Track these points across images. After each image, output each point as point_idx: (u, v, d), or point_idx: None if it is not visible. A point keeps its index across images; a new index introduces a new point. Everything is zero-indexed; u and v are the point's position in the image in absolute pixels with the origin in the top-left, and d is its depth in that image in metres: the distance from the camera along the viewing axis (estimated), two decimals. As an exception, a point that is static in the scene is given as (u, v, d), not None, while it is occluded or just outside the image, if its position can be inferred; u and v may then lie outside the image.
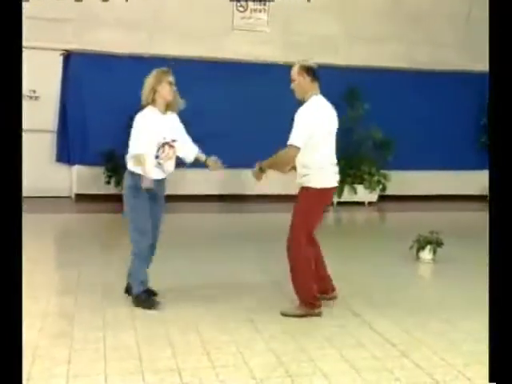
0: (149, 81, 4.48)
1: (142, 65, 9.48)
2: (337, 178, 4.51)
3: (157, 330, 3.96)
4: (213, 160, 4.68)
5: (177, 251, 6.24)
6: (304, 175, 4.30)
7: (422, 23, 10.68)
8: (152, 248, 4.56)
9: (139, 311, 4.33)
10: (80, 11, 9.27)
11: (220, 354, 3.60)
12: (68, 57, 9.36)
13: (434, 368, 3.49)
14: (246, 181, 10.69)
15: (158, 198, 4.58)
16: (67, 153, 9.55)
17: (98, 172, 9.36)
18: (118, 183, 9.37)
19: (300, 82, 4.35)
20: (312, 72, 4.37)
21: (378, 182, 10.23)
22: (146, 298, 4.42)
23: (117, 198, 9.43)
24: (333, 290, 4.61)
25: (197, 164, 4.69)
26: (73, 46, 9.33)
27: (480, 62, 9.37)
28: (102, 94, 9.29)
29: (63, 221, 8.37)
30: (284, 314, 4.29)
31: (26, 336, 3.72)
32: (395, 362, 3.56)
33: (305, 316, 4.26)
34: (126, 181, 4.53)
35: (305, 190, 4.31)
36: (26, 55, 9.29)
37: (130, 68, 9.40)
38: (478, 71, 9.91)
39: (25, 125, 9.96)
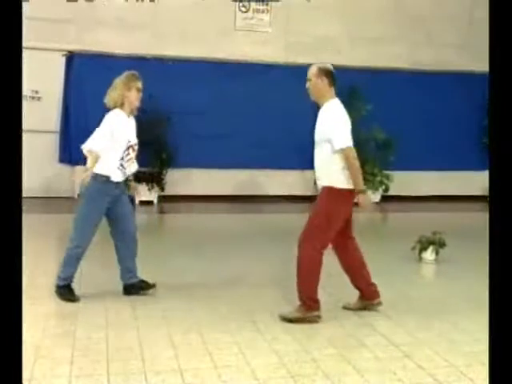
0: (119, 85, 4.55)
1: (144, 65, 9.52)
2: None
3: (159, 331, 3.96)
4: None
5: (180, 251, 6.25)
6: (327, 175, 4.22)
7: (424, 24, 10.69)
8: (130, 243, 4.69)
9: (141, 311, 4.33)
10: (82, 12, 9.29)
11: (222, 354, 3.61)
12: (70, 58, 9.38)
13: (437, 369, 3.49)
14: (245, 181, 10.73)
15: (123, 199, 4.64)
16: (69, 153, 9.56)
17: (101, 173, 9.37)
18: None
19: (317, 84, 4.29)
20: (331, 75, 4.33)
21: (381, 182, 10.23)
22: (64, 292, 4.52)
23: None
24: (378, 296, 4.51)
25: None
26: (75, 46, 9.35)
27: (482, 63, 9.34)
28: (104, 94, 9.29)
29: (65, 221, 8.36)
30: (282, 318, 4.23)
31: (29, 336, 3.74)
32: (398, 363, 3.55)
33: (302, 320, 4.17)
34: (89, 184, 4.50)
35: (327, 189, 4.21)
36: (28, 56, 9.40)
37: (132, 69, 9.35)
38: (480, 72, 9.89)
39: (27, 125, 10.02)
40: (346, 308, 4.52)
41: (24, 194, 9.62)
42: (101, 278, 5.15)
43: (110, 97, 4.55)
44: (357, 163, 4.15)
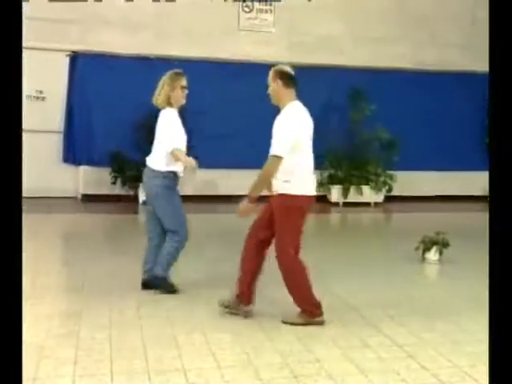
0: (164, 86, 4.61)
1: (147, 66, 9.57)
2: (315, 187, 4.31)
3: (162, 330, 3.97)
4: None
5: (183, 250, 6.25)
6: (285, 181, 4.06)
7: (428, 24, 10.68)
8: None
9: (145, 311, 4.34)
10: (86, 12, 9.31)
11: (225, 354, 3.61)
12: (74, 58, 9.40)
13: (440, 369, 3.48)
14: (248, 181, 10.71)
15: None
16: (73, 153, 9.59)
17: (104, 172, 9.39)
18: (124, 184, 9.41)
19: (274, 88, 4.18)
20: (286, 77, 4.17)
21: (384, 182, 10.22)
22: (167, 284, 4.71)
23: (122, 199, 9.53)
24: (251, 302, 4.33)
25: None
26: (79, 47, 9.37)
27: (485, 63, 9.22)
28: (108, 94, 9.33)
29: (69, 221, 8.40)
30: (285, 322, 4.19)
31: (33, 336, 3.76)
32: (401, 363, 3.55)
33: (305, 325, 4.13)
34: (157, 182, 4.64)
35: (284, 197, 4.07)
36: (32, 56, 9.46)
37: (136, 69, 9.45)
38: (483, 72, 9.82)
39: (31, 125, 10.10)
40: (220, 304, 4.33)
41: (28, 194, 9.69)
42: (105, 278, 5.16)
43: (158, 97, 4.65)
44: (268, 176, 4.03)
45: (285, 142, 4.02)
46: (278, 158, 4.00)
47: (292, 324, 4.15)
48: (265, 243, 4.28)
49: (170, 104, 4.60)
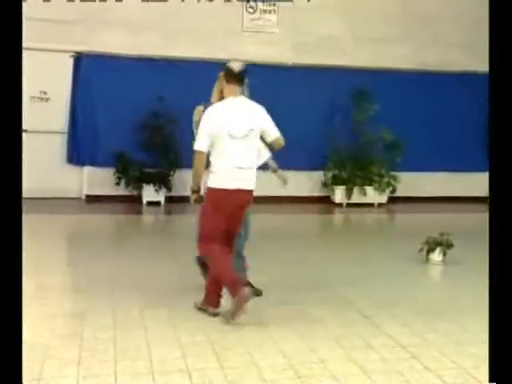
0: (217, 84, 4.69)
1: (151, 67, 9.60)
2: (240, 181, 4.23)
3: (166, 331, 3.97)
4: (282, 176, 5.00)
5: (187, 251, 6.26)
6: (209, 174, 4.28)
7: (430, 24, 10.66)
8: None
9: (149, 312, 4.34)
10: (90, 13, 9.33)
11: (229, 355, 3.61)
12: (78, 59, 9.41)
13: (444, 370, 3.48)
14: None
15: None
16: (77, 154, 9.60)
17: (108, 173, 9.41)
18: (128, 184, 9.43)
19: (218, 83, 4.43)
20: (229, 72, 4.28)
21: (388, 183, 10.21)
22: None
23: (127, 199, 9.55)
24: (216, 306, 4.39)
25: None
26: (83, 47, 9.38)
27: (488, 63, 9.33)
28: (112, 95, 9.34)
29: (73, 221, 8.42)
30: (196, 307, 4.35)
31: (37, 336, 3.77)
32: (405, 364, 3.55)
33: (201, 310, 4.29)
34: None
35: (207, 189, 4.29)
36: (36, 57, 9.47)
37: (140, 70, 9.46)
38: (486, 72, 9.82)
39: (35, 126, 10.11)
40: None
41: (32, 195, 9.68)
42: (109, 278, 5.17)
43: (213, 96, 4.71)
44: (199, 168, 4.23)
45: (202, 136, 4.20)
46: (199, 152, 4.21)
47: (197, 309, 4.32)
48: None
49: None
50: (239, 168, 4.21)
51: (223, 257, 4.28)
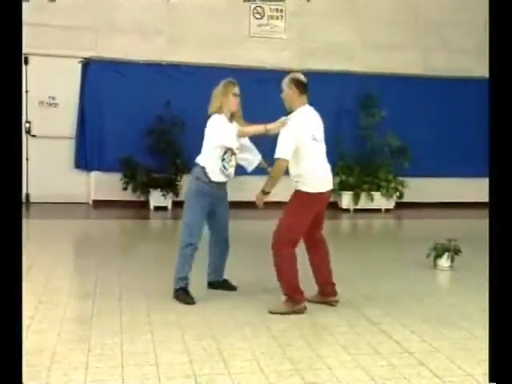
0: (216, 93, 4.78)
1: (159, 72, 9.64)
2: (329, 183, 4.68)
3: (173, 336, 3.98)
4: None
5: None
6: (296, 182, 4.52)
7: (438, 30, 10.65)
8: (222, 244, 4.98)
9: (156, 317, 4.35)
10: (98, 19, 9.39)
11: (236, 360, 3.61)
12: (86, 64, 9.46)
13: (452, 377, 3.46)
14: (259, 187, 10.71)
15: (222, 200, 4.91)
16: (85, 159, 9.64)
17: (116, 178, 9.44)
18: (135, 189, 9.45)
19: (288, 94, 4.54)
20: (301, 85, 4.54)
21: (395, 188, 10.19)
22: (182, 295, 4.71)
23: (134, 204, 9.57)
24: (334, 295, 4.76)
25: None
26: (91, 53, 9.44)
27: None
28: (120, 100, 9.38)
29: (81, 226, 8.44)
30: (270, 312, 4.46)
31: (44, 341, 3.78)
32: (412, 371, 3.53)
33: (290, 313, 4.41)
34: (191, 185, 4.79)
35: (297, 191, 4.52)
36: (45, 63, 9.53)
37: (148, 75, 9.50)
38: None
39: (44, 131, 10.17)
40: (308, 300, 4.65)
41: (39, 200, 9.72)
42: (116, 283, 5.18)
43: (211, 104, 4.78)
44: (277, 177, 4.43)
45: (288, 145, 4.37)
46: (283, 161, 4.38)
47: (277, 313, 4.42)
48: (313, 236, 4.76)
49: (220, 110, 4.71)
50: (327, 170, 4.64)
51: (295, 264, 4.51)
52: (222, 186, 4.85)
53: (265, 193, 4.50)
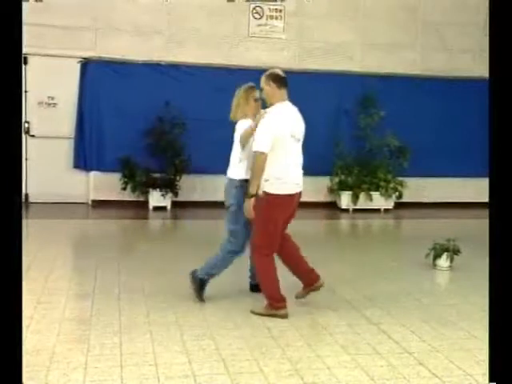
0: (238, 101, 4.80)
1: (158, 72, 9.63)
2: (299, 186, 4.48)
3: (172, 336, 3.97)
4: None
5: (193, 257, 6.26)
6: (265, 181, 4.32)
7: (438, 30, 10.64)
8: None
9: (155, 317, 4.34)
10: (97, 19, 9.37)
11: (235, 360, 3.61)
12: (85, 64, 9.45)
13: (451, 377, 3.46)
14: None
15: None
16: (84, 159, 9.62)
17: (115, 178, 9.42)
18: (134, 189, 9.44)
19: (267, 90, 4.46)
20: (278, 79, 4.44)
21: (394, 188, 10.18)
22: (198, 287, 4.73)
23: (133, 204, 9.57)
24: (317, 279, 4.67)
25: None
26: (90, 53, 9.42)
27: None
28: (119, 101, 9.38)
29: (80, 227, 8.43)
30: (252, 311, 4.47)
31: (43, 341, 3.78)
32: (411, 371, 3.53)
33: (270, 316, 4.37)
34: (236, 193, 4.63)
35: (265, 194, 4.32)
36: (44, 63, 9.53)
37: (147, 75, 9.50)
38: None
39: (43, 131, 10.16)
40: (297, 298, 4.69)
41: (38, 199, 9.70)
42: (115, 283, 5.17)
43: (234, 113, 4.82)
44: (257, 171, 4.27)
45: (265, 138, 4.26)
46: (261, 153, 4.25)
47: (258, 314, 4.42)
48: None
49: (246, 117, 4.70)
50: (297, 171, 4.46)
51: (272, 273, 4.44)
52: None
53: (251, 196, 4.31)
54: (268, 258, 4.43)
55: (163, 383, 3.28)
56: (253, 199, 4.30)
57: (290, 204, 4.43)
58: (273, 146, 4.27)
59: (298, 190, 4.46)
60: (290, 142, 4.38)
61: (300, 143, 4.53)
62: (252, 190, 4.30)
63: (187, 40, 9.76)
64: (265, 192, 4.31)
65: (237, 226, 4.62)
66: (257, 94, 4.75)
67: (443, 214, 10.01)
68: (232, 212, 4.64)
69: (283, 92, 4.45)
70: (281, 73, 4.51)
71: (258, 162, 4.26)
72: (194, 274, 4.78)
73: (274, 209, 4.34)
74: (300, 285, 4.71)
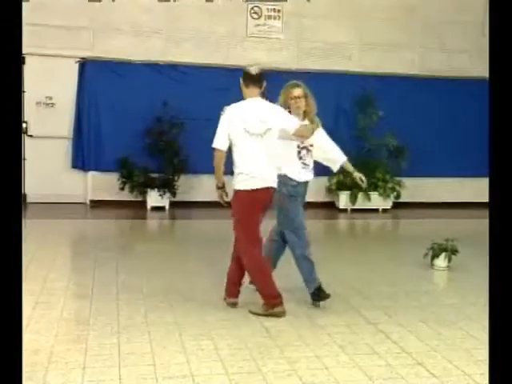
0: (281, 100, 4.79)
1: (157, 72, 9.63)
2: (265, 181, 4.42)
3: (170, 336, 3.97)
4: (358, 176, 5.25)
5: (191, 257, 6.26)
6: (235, 176, 4.44)
7: (436, 30, 10.66)
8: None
9: (153, 317, 4.34)
10: (96, 19, 9.37)
11: (233, 360, 3.61)
12: (84, 64, 9.45)
13: (450, 377, 3.47)
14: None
15: (303, 200, 4.90)
16: (82, 159, 9.62)
17: (113, 178, 9.42)
18: (132, 189, 9.44)
19: (241, 87, 4.52)
20: (248, 77, 4.47)
21: (392, 188, 10.19)
22: (319, 293, 4.67)
23: (131, 204, 9.56)
24: (233, 296, 4.67)
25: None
26: (88, 53, 9.42)
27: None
28: (117, 101, 9.37)
29: (78, 227, 8.43)
30: (250, 312, 4.46)
31: (41, 341, 3.77)
32: (410, 371, 3.53)
33: (267, 315, 4.37)
34: (282, 189, 4.66)
35: (235, 192, 4.45)
36: (42, 63, 9.51)
37: (145, 75, 9.49)
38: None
39: (41, 131, 10.14)
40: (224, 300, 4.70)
41: (37, 200, 9.69)
42: (113, 283, 5.17)
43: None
44: (215, 166, 4.44)
45: (220, 134, 4.41)
46: (216, 150, 4.40)
47: (256, 314, 4.41)
48: None
49: (290, 112, 4.68)
50: (265, 167, 4.41)
51: (262, 271, 4.50)
52: (306, 184, 4.89)
53: (218, 188, 4.52)
54: (254, 253, 4.45)
55: (161, 383, 3.27)
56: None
57: (257, 199, 4.41)
58: (233, 141, 4.38)
59: (265, 185, 4.39)
60: (245, 137, 4.35)
61: (266, 139, 4.38)
62: (217, 183, 4.53)
63: (185, 40, 9.76)
64: (234, 189, 4.45)
65: (296, 221, 4.67)
66: (295, 91, 4.74)
67: (441, 214, 10.02)
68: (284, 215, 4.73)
69: (252, 90, 4.46)
70: (253, 70, 4.48)
71: (215, 158, 4.43)
72: (311, 293, 4.70)
73: (244, 204, 4.40)
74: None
